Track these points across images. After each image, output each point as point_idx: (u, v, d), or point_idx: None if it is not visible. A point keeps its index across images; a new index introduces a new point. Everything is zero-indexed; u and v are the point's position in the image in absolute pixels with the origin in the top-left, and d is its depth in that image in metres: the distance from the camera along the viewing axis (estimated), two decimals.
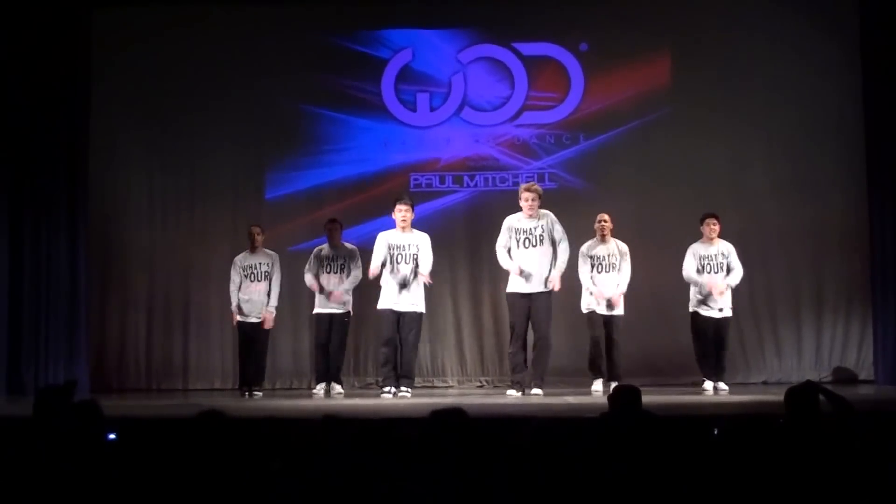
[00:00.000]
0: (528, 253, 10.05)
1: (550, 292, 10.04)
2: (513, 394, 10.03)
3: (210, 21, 12.30)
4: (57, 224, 11.46)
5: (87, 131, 11.73)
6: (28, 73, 11.40)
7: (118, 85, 12.08)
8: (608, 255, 10.61)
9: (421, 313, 10.26)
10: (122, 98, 12.10)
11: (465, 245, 12.01)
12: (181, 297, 12.12)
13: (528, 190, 10.14)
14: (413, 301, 10.17)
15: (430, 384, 11.82)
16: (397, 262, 10.13)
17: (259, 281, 10.87)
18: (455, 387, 11.89)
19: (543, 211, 10.14)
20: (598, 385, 10.55)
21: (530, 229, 10.07)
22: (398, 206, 10.22)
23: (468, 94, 12.24)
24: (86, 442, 4.59)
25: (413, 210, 10.28)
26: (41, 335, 11.33)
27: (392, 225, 10.33)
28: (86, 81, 11.76)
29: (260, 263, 10.91)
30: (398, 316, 10.13)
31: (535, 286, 10.02)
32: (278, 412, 8.63)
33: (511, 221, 10.18)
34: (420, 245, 10.21)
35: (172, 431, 4.59)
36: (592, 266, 10.59)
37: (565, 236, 10.09)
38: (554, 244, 10.06)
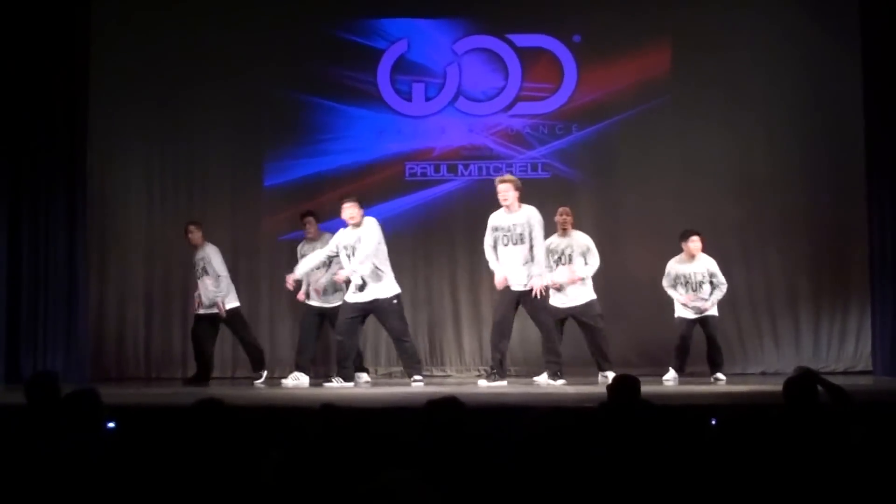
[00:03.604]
0: (505, 251, 9.92)
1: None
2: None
3: (208, 10, 12.28)
4: (55, 213, 11.44)
5: (86, 119, 11.69)
6: (26, 62, 11.36)
7: (117, 74, 12.06)
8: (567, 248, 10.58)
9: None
10: (120, 87, 12.09)
11: (463, 234, 12.00)
12: (180, 285, 12.10)
13: (501, 182, 9.99)
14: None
15: (428, 373, 11.81)
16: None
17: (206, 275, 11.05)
18: (453, 376, 11.90)
19: (526, 206, 9.97)
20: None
21: (509, 226, 9.94)
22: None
23: (463, 85, 12.27)
24: (85, 430, 4.59)
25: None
26: (39, 324, 11.31)
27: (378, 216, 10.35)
28: (84, 70, 11.71)
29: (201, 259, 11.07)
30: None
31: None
32: (276, 401, 8.64)
33: (492, 219, 10.04)
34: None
35: (171, 420, 4.60)
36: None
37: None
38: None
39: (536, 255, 9.80)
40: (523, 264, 9.82)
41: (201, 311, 11.06)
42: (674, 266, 10.67)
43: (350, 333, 10.08)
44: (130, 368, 12.07)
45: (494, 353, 10.02)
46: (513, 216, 9.89)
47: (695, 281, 10.59)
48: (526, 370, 11.09)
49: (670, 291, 10.64)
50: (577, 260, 10.51)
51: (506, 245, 9.88)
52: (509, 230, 9.89)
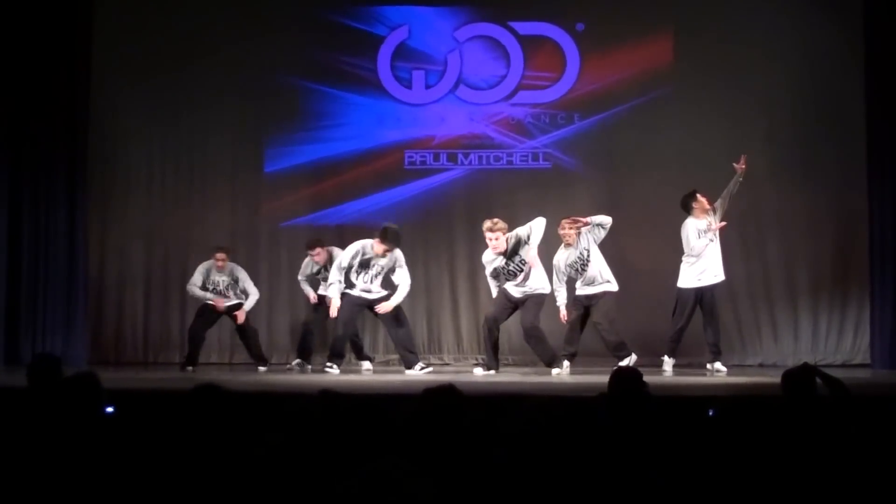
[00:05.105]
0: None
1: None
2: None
3: None
4: (56, 197, 11.46)
5: (88, 103, 11.71)
6: (29, 44, 11.35)
7: (118, 58, 12.05)
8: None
9: None
10: (121, 71, 12.08)
11: (462, 223, 12.00)
12: (179, 270, 12.09)
13: (490, 230, 10.07)
14: None
15: (426, 362, 11.81)
16: None
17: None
18: (451, 364, 11.91)
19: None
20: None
21: (505, 264, 10.14)
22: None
23: (464, 73, 12.21)
24: (84, 414, 4.59)
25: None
26: (39, 307, 11.35)
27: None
28: (86, 53, 11.71)
29: (223, 279, 11.12)
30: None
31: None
32: (275, 387, 8.65)
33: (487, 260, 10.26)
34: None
35: (170, 404, 4.59)
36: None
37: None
38: (524, 256, 10.05)
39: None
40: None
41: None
42: (694, 224, 10.43)
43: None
44: (129, 352, 12.08)
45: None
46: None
47: (713, 228, 10.44)
48: (523, 359, 11.10)
49: (696, 244, 10.38)
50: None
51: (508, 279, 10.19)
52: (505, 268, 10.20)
